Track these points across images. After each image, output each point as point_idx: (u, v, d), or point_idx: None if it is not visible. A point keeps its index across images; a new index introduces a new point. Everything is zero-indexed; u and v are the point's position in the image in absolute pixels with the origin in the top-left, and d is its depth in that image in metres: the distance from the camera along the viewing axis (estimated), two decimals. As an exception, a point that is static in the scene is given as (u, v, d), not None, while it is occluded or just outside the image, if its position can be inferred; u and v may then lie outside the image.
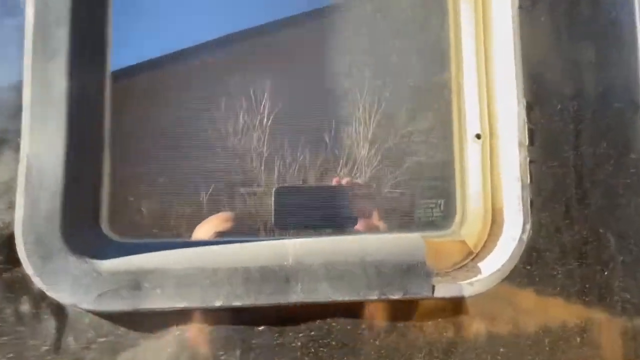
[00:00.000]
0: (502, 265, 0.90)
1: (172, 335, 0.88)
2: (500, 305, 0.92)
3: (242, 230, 1.01)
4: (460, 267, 1.04)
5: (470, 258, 1.05)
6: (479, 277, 0.92)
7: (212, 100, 0.98)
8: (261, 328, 0.89)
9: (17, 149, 0.81)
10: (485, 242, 1.05)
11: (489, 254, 1.04)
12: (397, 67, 1.01)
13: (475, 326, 0.91)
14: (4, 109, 0.82)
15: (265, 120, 1.00)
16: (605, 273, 0.90)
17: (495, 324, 0.92)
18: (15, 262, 0.83)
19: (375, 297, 0.86)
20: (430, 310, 0.90)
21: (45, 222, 0.82)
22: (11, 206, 0.82)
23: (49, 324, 0.85)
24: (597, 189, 0.92)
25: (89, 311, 0.84)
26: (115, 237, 0.99)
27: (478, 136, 1.05)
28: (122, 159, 0.94)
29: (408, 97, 1.01)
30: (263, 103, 0.99)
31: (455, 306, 0.91)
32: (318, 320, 0.88)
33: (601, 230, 0.91)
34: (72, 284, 0.83)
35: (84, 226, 0.90)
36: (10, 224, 0.82)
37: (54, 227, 0.83)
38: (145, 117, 0.99)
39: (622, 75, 0.99)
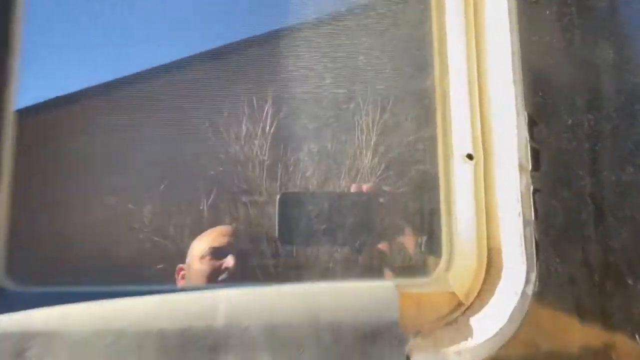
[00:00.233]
0: (501, 329, 0.69)
1: None
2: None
3: (239, 245, 0.85)
4: (447, 324, 0.82)
5: (461, 311, 0.83)
6: (470, 342, 0.71)
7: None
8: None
9: None
10: (480, 291, 0.84)
11: (484, 306, 0.82)
12: (363, 71, 0.81)
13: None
14: None
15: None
16: (638, 338, 0.68)
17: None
18: None
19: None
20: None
21: None
22: None
23: None
24: (623, 227, 0.71)
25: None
26: (10, 285, 0.79)
27: (469, 156, 0.84)
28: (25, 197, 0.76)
29: (380, 107, 0.82)
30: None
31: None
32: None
33: (630, 282, 0.70)
34: None
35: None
36: None
37: None
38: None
39: (648, 82, 0.79)
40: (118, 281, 0.90)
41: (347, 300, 0.77)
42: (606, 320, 0.67)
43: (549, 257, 0.73)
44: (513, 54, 0.77)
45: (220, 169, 0.89)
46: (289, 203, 0.77)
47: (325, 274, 0.87)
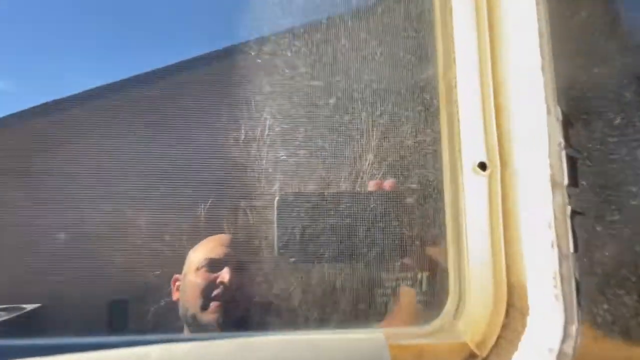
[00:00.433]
0: (531, 405, 0.51)
1: None
2: None
3: (237, 257, 0.75)
4: (456, 385, 0.64)
5: (473, 366, 0.65)
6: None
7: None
8: None
9: None
10: (498, 340, 0.66)
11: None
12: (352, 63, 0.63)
13: None
14: None
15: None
16: None
17: None
18: None
19: None
20: None
21: None
22: None
23: None
24: (696, 263, 0.52)
25: None
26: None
27: (482, 166, 0.66)
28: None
29: (370, 103, 0.64)
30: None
31: None
32: None
33: None
34: None
35: None
36: None
37: None
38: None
39: None
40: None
41: (324, 354, 0.59)
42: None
43: (595, 303, 0.55)
44: (540, 34, 0.60)
45: (218, 172, 0.73)
46: (289, 206, 0.64)
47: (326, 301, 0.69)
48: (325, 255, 0.64)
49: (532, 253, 0.59)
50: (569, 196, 0.57)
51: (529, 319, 0.63)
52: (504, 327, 0.66)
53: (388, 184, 0.65)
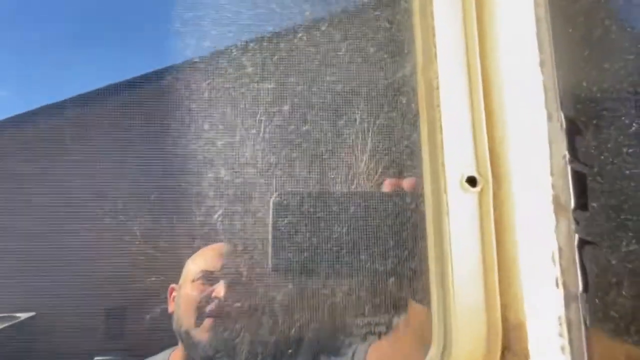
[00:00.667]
0: None
1: None
2: None
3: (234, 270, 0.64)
4: None
5: None
6: None
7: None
8: None
9: None
10: None
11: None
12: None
13: None
14: None
15: None
16: None
17: None
18: None
19: None
20: None
21: None
22: None
23: None
24: None
25: None
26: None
27: (471, 181, 0.56)
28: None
29: (333, 110, 0.54)
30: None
31: None
32: None
33: None
34: None
35: None
36: None
37: None
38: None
39: None
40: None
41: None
42: None
43: (609, 353, 0.45)
44: (538, 20, 0.50)
45: (212, 175, 0.64)
46: (286, 207, 0.55)
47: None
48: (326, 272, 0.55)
49: (532, 293, 0.49)
50: (577, 222, 0.47)
51: (529, 368, 0.53)
52: (501, 375, 0.57)
53: (408, 182, 0.56)
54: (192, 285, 0.70)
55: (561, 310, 0.47)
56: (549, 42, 0.50)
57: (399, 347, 0.66)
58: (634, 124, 0.48)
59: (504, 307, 0.57)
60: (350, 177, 0.54)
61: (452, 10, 0.59)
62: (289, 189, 0.57)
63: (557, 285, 0.46)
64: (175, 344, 0.72)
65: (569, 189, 0.47)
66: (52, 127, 0.76)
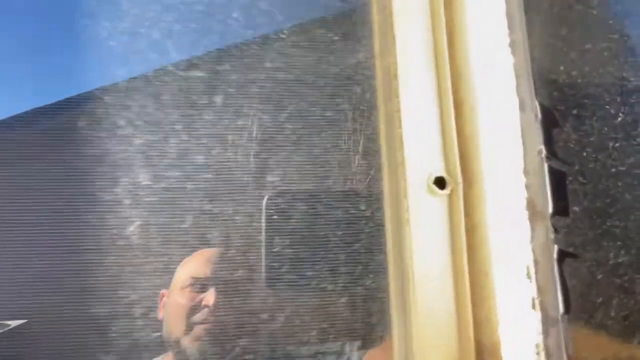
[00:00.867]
0: None
1: None
2: None
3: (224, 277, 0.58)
4: None
5: None
6: None
7: None
8: None
9: None
10: None
11: None
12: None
13: None
14: None
15: None
16: None
17: None
18: None
19: None
20: None
21: None
22: None
23: None
24: None
25: None
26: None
27: (440, 182, 0.50)
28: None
29: (274, 102, 0.47)
30: None
31: None
32: None
33: None
34: None
35: None
36: None
37: None
38: None
39: None
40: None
41: None
42: None
43: None
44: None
45: (204, 176, 0.57)
46: (280, 208, 0.49)
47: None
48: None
49: (507, 314, 0.43)
50: (555, 230, 0.40)
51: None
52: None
53: None
54: (181, 293, 0.69)
55: (539, 337, 0.40)
56: (521, 19, 0.44)
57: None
58: (620, 114, 0.42)
59: (477, 329, 0.51)
60: (293, 178, 0.47)
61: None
62: (283, 189, 0.51)
63: (533, 306, 0.40)
64: (166, 350, 0.70)
65: (545, 190, 0.41)
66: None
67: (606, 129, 0.43)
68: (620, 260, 0.40)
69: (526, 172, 0.45)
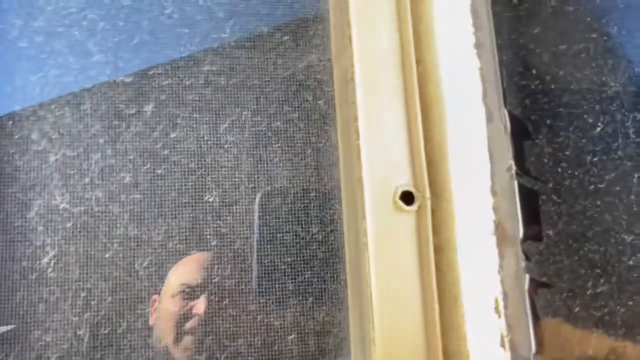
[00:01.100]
0: None
1: None
2: None
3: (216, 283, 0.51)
4: None
5: None
6: None
7: None
8: None
9: None
10: None
11: None
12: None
13: None
14: None
15: None
16: None
17: None
18: None
19: None
20: None
21: None
22: None
23: None
24: None
25: None
26: None
27: (408, 197, 0.46)
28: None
29: (213, 110, 0.43)
30: None
31: None
32: None
33: None
34: None
35: None
36: None
37: None
38: None
39: None
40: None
41: None
42: None
43: None
44: None
45: (132, 197, 0.51)
46: (274, 206, 0.46)
47: None
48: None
49: (478, 352, 0.39)
50: (527, 257, 0.37)
51: None
52: None
53: None
54: (172, 300, 0.67)
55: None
56: (488, 16, 0.40)
57: None
58: (599, 124, 0.39)
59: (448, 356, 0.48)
60: (233, 195, 0.43)
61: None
62: (276, 186, 0.47)
63: (502, 345, 0.36)
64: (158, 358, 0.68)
65: (516, 212, 0.37)
66: None
67: (584, 140, 0.39)
68: (599, 290, 0.37)
69: (494, 191, 0.42)
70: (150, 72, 0.43)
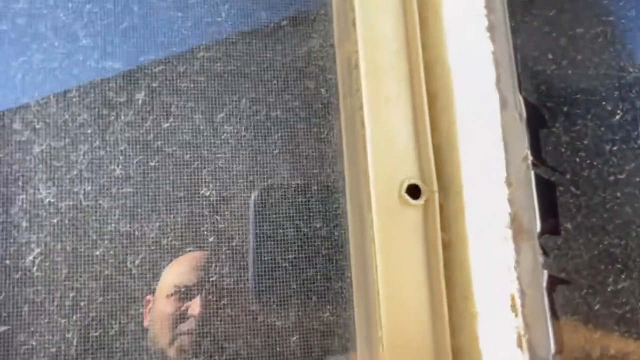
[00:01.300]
0: None
1: None
2: None
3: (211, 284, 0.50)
4: None
5: None
6: None
7: None
8: None
9: None
10: None
11: None
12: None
13: None
14: None
15: None
16: None
17: None
18: None
19: None
20: None
21: None
22: None
23: None
24: None
25: None
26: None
27: (414, 191, 0.45)
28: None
29: (209, 98, 0.41)
30: None
31: None
32: None
33: None
34: None
35: None
36: None
37: None
38: None
39: None
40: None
41: None
42: None
43: None
44: None
45: (123, 190, 0.50)
46: (273, 201, 0.44)
47: None
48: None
49: (491, 354, 0.38)
50: (544, 251, 0.36)
51: None
52: None
53: None
54: (166, 301, 0.67)
55: (524, 374, 0.36)
56: (502, 2, 0.39)
57: None
58: (618, 111, 0.38)
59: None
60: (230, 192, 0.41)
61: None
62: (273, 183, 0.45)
63: (519, 345, 0.35)
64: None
65: (532, 204, 0.36)
66: None
67: (602, 129, 0.38)
68: (620, 287, 0.36)
69: (509, 182, 0.41)
70: (142, 58, 0.41)
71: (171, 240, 0.43)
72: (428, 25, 0.47)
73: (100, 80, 0.44)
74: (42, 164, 0.42)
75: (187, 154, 0.43)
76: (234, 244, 0.43)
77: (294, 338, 0.42)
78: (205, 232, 0.43)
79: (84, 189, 0.42)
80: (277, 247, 0.43)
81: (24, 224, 0.41)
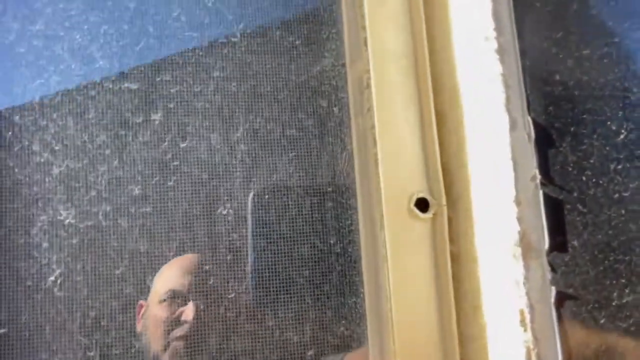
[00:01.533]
0: None
1: None
2: None
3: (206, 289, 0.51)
4: None
5: None
6: None
7: None
8: None
9: None
10: None
11: None
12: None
13: None
14: None
15: None
16: None
17: None
18: None
19: None
20: None
21: None
22: None
23: None
24: None
25: None
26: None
27: (423, 204, 0.47)
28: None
29: (224, 117, 0.43)
30: None
31: None
32: None
33: None
34: None
35: None
36: None
37: None
38: None
39: None
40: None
41: None
42: None
43: None
44: None
45: (141, 210, 0.51)
46: (270, 206, 0.45)
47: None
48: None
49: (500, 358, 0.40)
50: (552, 268, 0.38)
51: None
52: None
53: None
54: (159, 307, 0.67)
55: (536, 394, 0.38)
56: (510, 20, 0.41)
57: None
58: (622, 131, 0.40)
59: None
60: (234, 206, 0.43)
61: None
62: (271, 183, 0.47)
63: (528, 358, 0.37)
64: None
65: (541, 222, 0.39)
66: None
67: (607, 148, 0.40)
68: (625, 301, 0.38)
69: (518, 201, 0.43)
70: (158, 79, 0.42)
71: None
72: (437, 48, 0.49)
73: (117, 101, 0.45)
74: (61, 185, 0.43)
75: (204, 173, 0.45)
76: (251, 260, 0.44)
77: (293, 341, 0.44)
78: (223, 250, 0.45)
79: (103, 209, 0.44)
80: (292, 263, 0.45)
81: (45, 244, 0.43)
